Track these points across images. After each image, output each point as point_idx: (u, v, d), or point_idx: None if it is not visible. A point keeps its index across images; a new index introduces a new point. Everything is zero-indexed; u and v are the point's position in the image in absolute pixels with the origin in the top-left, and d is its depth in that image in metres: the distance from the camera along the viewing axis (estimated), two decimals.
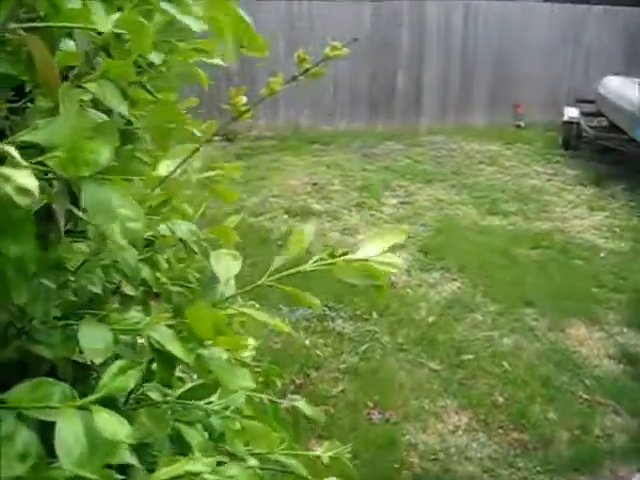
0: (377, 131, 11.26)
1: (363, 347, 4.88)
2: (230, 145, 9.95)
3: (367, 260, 0.84)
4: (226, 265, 0.89)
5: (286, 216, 7.49)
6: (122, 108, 0.94)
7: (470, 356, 4.77)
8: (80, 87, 0.81)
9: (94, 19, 0.71)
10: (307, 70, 0.80)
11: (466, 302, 5.58)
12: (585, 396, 4.36)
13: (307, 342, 4.90)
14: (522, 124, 11.71)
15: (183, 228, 1.07)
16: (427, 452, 3.86)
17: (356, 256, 0.85)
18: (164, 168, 0.90)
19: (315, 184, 8.56)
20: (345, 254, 0.86)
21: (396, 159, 9.93)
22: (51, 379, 0.69)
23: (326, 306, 5.32)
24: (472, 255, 6.48)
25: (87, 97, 0.97)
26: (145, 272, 1.04)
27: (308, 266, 0.89)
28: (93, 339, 0.75)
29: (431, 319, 5.27)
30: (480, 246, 6.76)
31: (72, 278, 0.83)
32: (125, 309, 1.23)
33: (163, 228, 1.04)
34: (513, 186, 8.88)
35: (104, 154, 0.68)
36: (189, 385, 0.93)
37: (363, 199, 8.08)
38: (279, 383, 1.67)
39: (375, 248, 0.86)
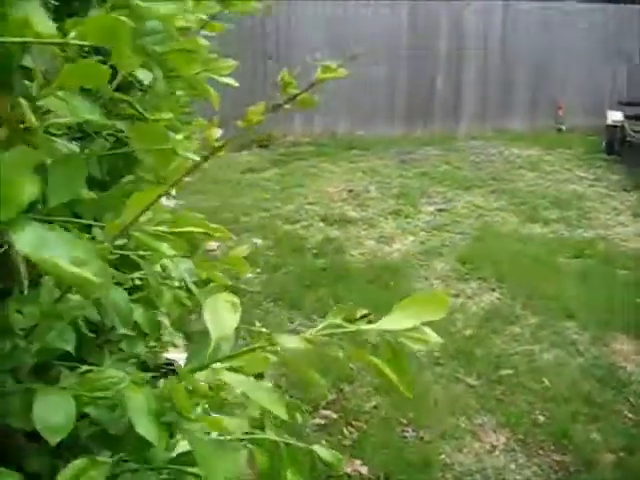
0: (415, 136, 11.11)
1: None
2: (265, 151, 9.88)
3: (393, 332, 0.70)
4: (222, 318, 0.76)
5: (322, 224, 7.37)
6: (92, 117, 0.83)
7: (509, 371, 4.59)
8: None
9: (38, 29, 0.59)
10: (295, 97, 0.69)
11: (505, 314, 5.40)
12: (630, 415, 4.16)
13: (340, 354, 4.76)
14: (563, 128, 11.46)
15: (181, 267, 0.95)
16: (463, 473, 3.71)
17: (381, 326, 0.72)
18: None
19: (351, 191, 8.44)
20: (366, 316, 0.72)
21: (434, 165, 9.78)
22: (3, 470, 0.59)
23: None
24: (511, 264, 6.30)
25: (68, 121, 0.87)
26: (137, 313, 0.93)
27: (314, 332, 0.76)
28: (51, 413, 0.63)
29: (468, 332, 5.11)
30: (520, 255, 6.57)
31: (22, 342, 0.73)
32: (132, 346, 1.13)
33: (156, 268, 0.92)
34: (554, 192, 8.65)
35: (27, 189, 0.55)
36: (185, 449, 0.81)
37: (400, 206, 7.94)
38: (300, 417, 1.56)
39: (406, 317, 0.72)
